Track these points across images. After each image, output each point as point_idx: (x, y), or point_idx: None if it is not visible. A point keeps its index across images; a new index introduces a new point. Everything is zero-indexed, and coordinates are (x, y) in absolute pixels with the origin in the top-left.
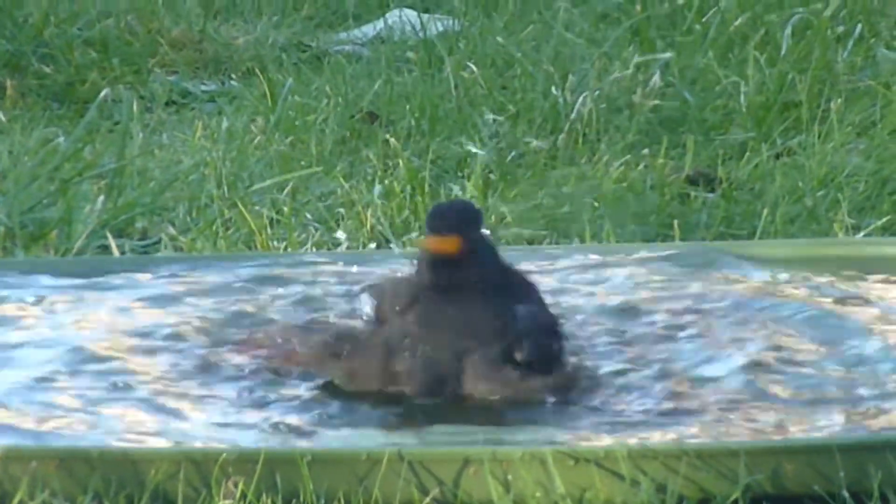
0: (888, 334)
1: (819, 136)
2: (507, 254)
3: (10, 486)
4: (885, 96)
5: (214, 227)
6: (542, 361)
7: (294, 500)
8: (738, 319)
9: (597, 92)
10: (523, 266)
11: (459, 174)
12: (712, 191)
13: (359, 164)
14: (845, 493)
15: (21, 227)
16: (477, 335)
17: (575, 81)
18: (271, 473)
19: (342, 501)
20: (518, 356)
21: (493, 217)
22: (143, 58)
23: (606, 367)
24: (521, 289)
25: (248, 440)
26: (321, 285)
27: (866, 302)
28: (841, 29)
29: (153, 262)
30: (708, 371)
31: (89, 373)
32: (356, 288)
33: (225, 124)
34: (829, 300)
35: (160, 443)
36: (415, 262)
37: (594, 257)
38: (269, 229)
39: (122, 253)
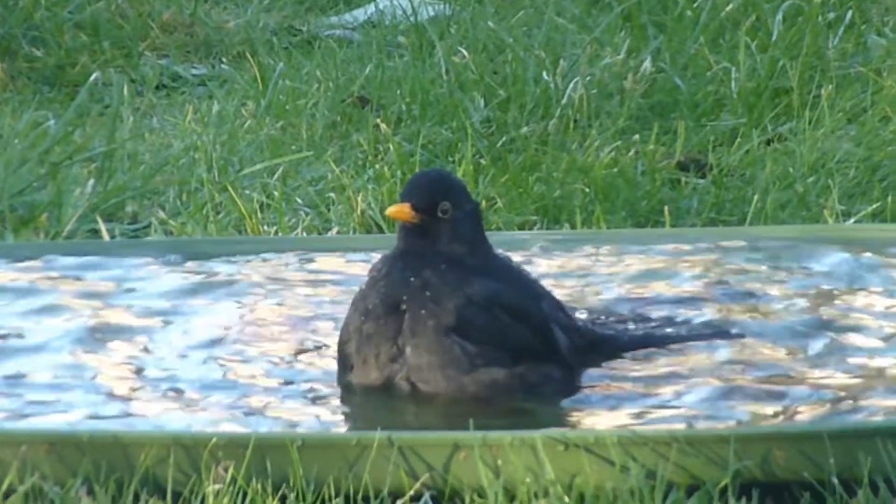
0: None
1: (810, 123)
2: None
3: (1, 469)
4: (875, 83)
5: (205, 211)
6: (492, 340)
7: (284, 485)
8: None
9: (588, 77)
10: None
11: (450, 159)
12: (703, 177)
13: (349, 148)
14: (835, 480)
15: (11, 210)
16: (427, 312)
17: (566, 67)
18: (261, 458)
19: (332, 486)
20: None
21: (483, 202)
22: (134, 41)
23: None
24: (492, 266)
25: (238, 425)
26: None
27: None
28: (832, 15)
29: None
30: (699, 356)
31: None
32: None
33: (215, 108)
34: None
35: (150, 427)
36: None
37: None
38: (259, 213)
39: (112, 237)
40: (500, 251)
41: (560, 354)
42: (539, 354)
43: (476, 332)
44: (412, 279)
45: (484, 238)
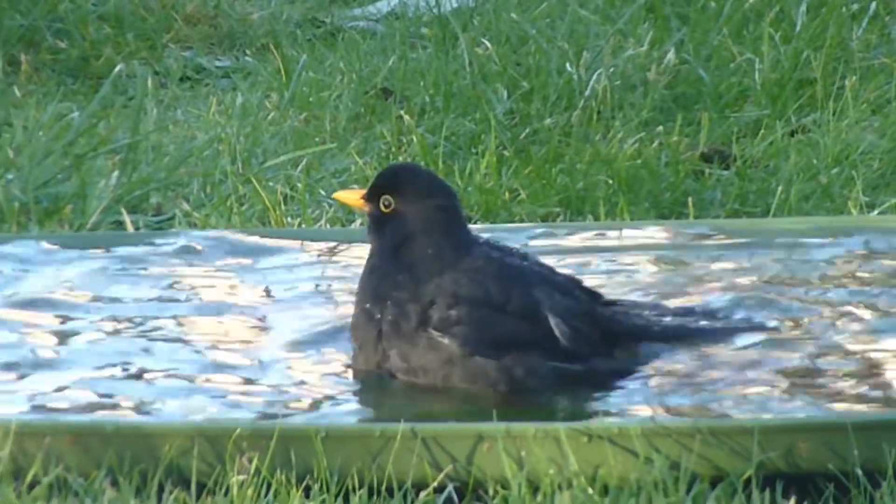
0: None
1: (833, 114)
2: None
3: (25, 461)
4: None
5: (228, 203)
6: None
7: (308, 476)
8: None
9: (611, 69)
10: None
11: (473, 150)
12: (727, 168)
13: (373, 140)
14: (859, 471)
15: (35, 202)
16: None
17: (589, 58)
18: (286, 449)
19: (356, 478)
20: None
21: (507, 194)
22: (158, 33)
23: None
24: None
25: (262, 416)
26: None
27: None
28: (855, 6)
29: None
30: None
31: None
32: None
33: (239, 100)
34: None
35: (174, 418)
36: None
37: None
38: (283, 205)
39: (137, 229)
40: (502, 242)
41: (556, 342)
42: (530, 344)
43: (453, 325)
44: (377, 280)
45: (453, 233)
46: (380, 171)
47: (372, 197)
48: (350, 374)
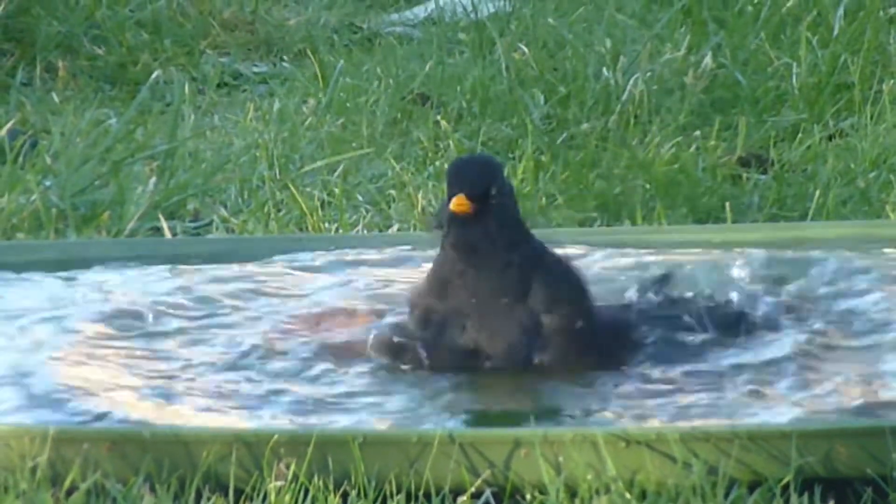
0: None
1: (871, 118)
2: None
3: (63, 467)
4: None
5: (266, 209)
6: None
7: (346, 482)
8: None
9: (648, 73)
10: None
11: (510, 156)
12: (764, 172)
13: (410, 145)
14: None
15: (73, 208)
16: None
17: (626, 63)
18: (323, 455)
19: (393, 483)
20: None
21: (543, 199)
22: (195, 39)
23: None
24: (539, 248)
25: (299, 422)
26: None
27: None
28: (893, 10)
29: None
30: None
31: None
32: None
33: (276, 106)
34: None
35: (212, 424)
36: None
37: None
38: (320, 211)
39: (174, 235)
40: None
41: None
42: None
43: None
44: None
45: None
46: (459, 166)
47: (478, 197)
48: (385, 378)
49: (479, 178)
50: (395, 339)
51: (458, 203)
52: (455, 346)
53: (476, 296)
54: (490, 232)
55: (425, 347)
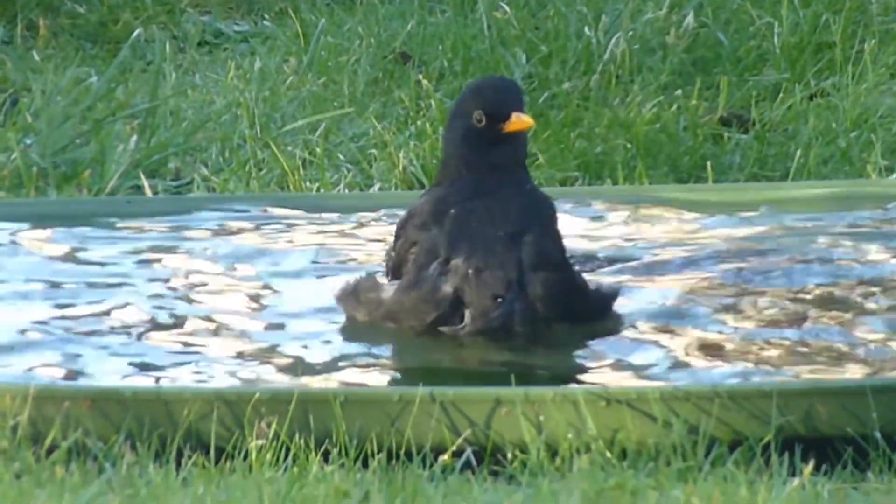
0: None
1: (853, 78)
2: None
3: (44, 425)
4: None
5: (247, 168)
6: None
7: (327, 441)
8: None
9: (630, 32)
10: None
11: None
12: (745, 132)
13: (391, 104)
14: (878, 435)
15: (54, 167)
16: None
17: (608, 22)
18: (304, 414)
19: (374, 442)
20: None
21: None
22: None
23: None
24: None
25: (280, 380)
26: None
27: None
28: None
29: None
30: (743, 314)
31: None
32: None
33: (258, 65)
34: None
35: (192, 383)
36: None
37: None
38: (301, 170)
39: (155, 193)
40: None
41: None
42: None
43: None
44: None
45: None
46: (506, 86)
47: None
48: (367, 336)
49: (522, 96)
50: (365, 293)
51: (523, 120)
52: (433, 298)
53: (478, 226)
54: (519, 154)
55: (396, 303)
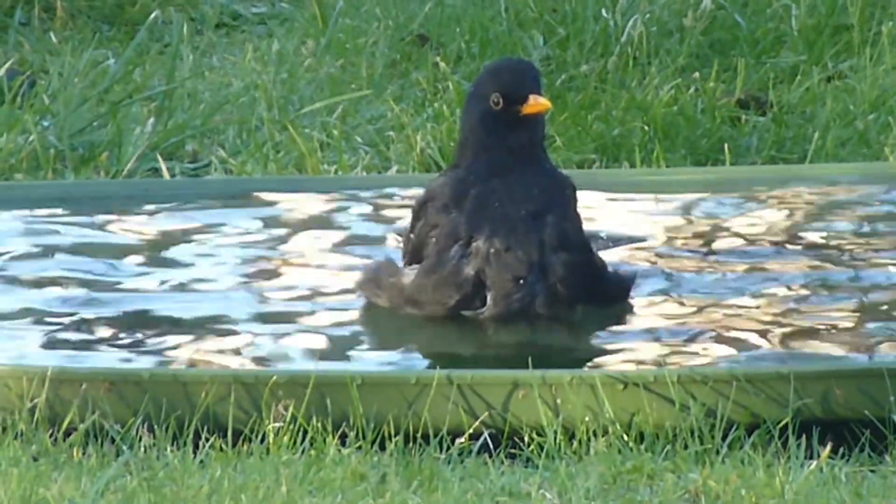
0: None
1: (870, 60)
2: None
3: (61, 408)
4: None
5: (265, 150)
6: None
7: (344, 424)
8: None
9: (647, 14)
10: None
11: None
12: (763, 114)
13: (409, 87)
14: (895, 417)
15: (71, 149)
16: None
17: (625, 4)
18: (321, 397)
19: (391, 424)
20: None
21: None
22: None
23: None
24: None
25: (298, 363)
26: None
27: None
28: None
29: None
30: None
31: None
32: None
33: (275, 47)
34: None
35: (211, 365)
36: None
37: None
38: (319, 152)
39: (173, 175)
40: None
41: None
42: None
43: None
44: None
45: None
46: (522, 68)
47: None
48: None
49: (539, 78)
50: (385, 278)
51: (541, 102)
52: (455, 281)
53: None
54: (536, 136)
55: (417, 287)
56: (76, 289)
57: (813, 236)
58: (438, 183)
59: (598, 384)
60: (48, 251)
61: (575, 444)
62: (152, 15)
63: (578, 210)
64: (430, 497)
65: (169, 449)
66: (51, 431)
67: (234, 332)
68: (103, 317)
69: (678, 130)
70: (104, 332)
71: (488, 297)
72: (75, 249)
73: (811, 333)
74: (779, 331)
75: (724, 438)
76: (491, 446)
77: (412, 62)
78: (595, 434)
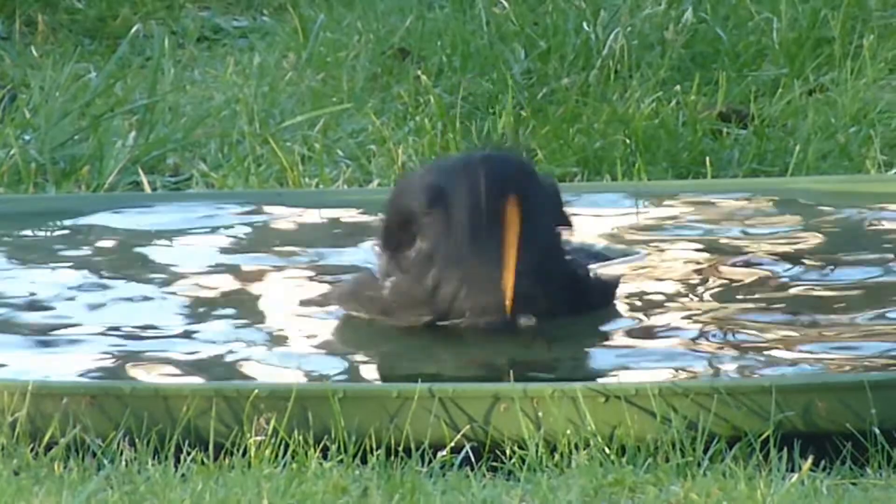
0: None
1: (851, 73)
2: None
3: (42, 422)
4: None
5: (246, 164)
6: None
7: (326, 437)
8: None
9: (629, 28)
10: None
11: (490, 111)
12: (744, 127)
13: (390, 100)
14: (877, 431)
15: (52, 162)
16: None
17: (607, 17)
18: (303, 410)
19: (373, 438)
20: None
21: (524, 154)
22: None
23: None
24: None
25: (279, 377)
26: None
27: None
28: None
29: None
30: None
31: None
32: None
33: (256, 60)
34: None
35: (192, 379)
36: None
37: None
38: (300, 166)
39: (154, 189)
40: None
41: None
42: None
43: None
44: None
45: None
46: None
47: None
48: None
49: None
50: (363, 292)
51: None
52: (430, 294)
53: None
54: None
55: (393, 299)
56: (56, 302)
57: (797, 247)
58: (416, 177)
59: (580, 397)
60: (28, 263)
61: (556, 456)
62: (134, 29)
63: (564, 214)
64: None
65: (150, 463)
66: (32, 446)
67: (215, 345)
68: (83, 331)
69: (660, 143)
70: (84, 346)
71: (466, 309)
72: (55, 261)
73: (793, 345)
74: (761, 343)
75: (705, 451)
76: (473, 459)
77: (393, 76)
78: (577, 447)
